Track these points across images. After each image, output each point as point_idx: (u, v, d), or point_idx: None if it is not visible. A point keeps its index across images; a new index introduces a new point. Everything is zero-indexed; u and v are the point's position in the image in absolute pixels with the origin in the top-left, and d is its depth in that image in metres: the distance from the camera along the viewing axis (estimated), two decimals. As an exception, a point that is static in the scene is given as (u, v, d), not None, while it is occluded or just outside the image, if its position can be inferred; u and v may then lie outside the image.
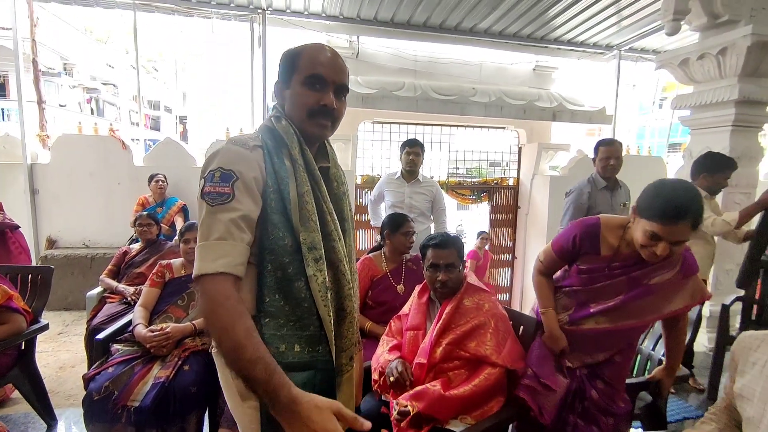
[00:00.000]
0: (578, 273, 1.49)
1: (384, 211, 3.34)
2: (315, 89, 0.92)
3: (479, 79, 5.08)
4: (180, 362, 1.83)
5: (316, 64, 0.92)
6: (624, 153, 5.49)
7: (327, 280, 0.91)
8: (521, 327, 1.69)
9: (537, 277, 1.62)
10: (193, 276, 0.80)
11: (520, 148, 5.44)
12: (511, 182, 5.51)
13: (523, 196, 5.41)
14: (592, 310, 1.45)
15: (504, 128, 5.42)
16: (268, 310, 0.87)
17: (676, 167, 5.60)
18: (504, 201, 5.48)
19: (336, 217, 0.99)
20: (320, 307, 0.90)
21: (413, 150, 3.12)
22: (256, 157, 0.88)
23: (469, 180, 5.52)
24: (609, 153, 2.74)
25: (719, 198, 3.11)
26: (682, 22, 3.12)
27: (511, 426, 1.59)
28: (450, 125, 5.24)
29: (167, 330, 1.88)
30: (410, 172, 3.17)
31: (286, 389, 0.72)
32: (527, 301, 5.23)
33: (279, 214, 0.88)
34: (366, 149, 5.08)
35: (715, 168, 2.59)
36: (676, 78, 3.53)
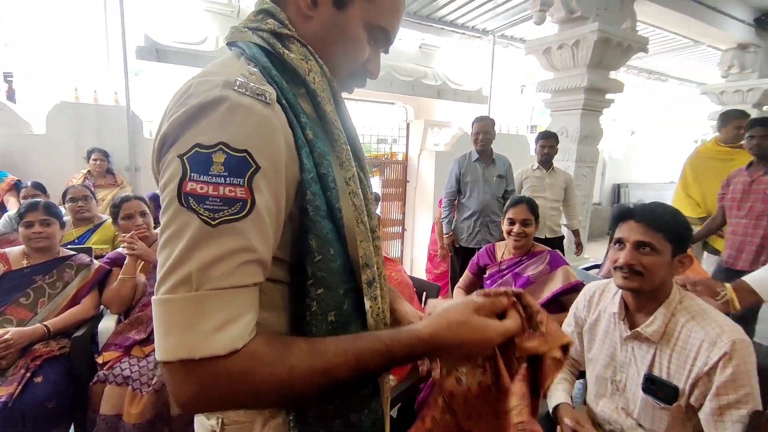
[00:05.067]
0: (485, 282, 2.03)
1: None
2: (374, 44, 0.63)
3: (369, 53, 5.06)
4: (29, 374, 1.49)
5: (393, 17, 0.62)
6: (497, 131, 6.14)
7: (382, 307, 0.63)
8: (424, 293, 1.77)
9: (456, 291, 2.16)
10: (160, 357, 0.44)
11: (408, 124, 5.62)
12: (400, 157, 5.69)
13: (411, 170, 5.65)
14: None
15: (393, 104, 5.53)
16: None
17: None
18: (394, 175, 5.65)
19: (372, 201, 0.68)
20: None
21: None
22: (280, 121, 0.51)
23: (360, 155, 5.54)
24: (478, 128, 3.07)
25: (571, 170, 3.67)
26: (546, 13, 3.50)
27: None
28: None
29: (6, 337, 1.51)
30: None
31: (411, 342, 0.52)
32: (417, 271, 5.56)
33: (327, 219, 0.54)
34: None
35: (536, 140, 3.20)
36: (541, 64, 3.98)
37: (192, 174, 0.45)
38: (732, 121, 3.04)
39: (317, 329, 0.54)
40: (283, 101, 0.52)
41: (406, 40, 5.37)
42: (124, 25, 3.64)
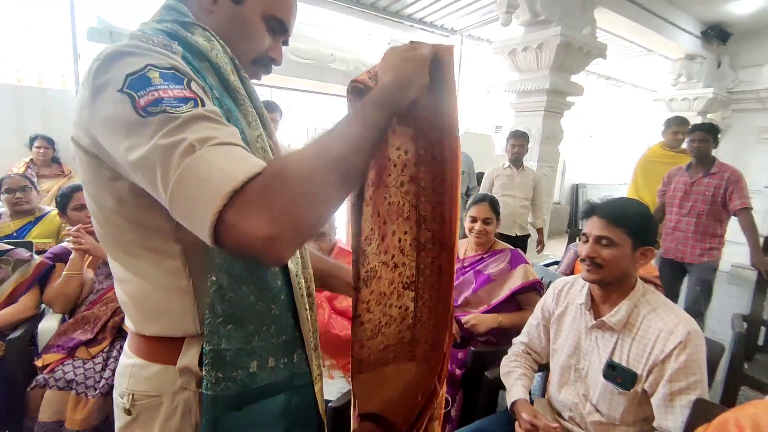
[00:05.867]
0: None
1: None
2: (272, 33, 0.70)
3: (337, 46, 4.98)
4: (-44, 379, 1.35)
5: (286, 8, 0.70)
6: (464, 131, 6.23)
7: (299, 259, 0.69)
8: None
9: None
10: (212, 215, 0.42)
11: (376, 120, 5.61)
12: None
13: (379, 167, 5.64)
14: (457, 302, 1.86)
15: (361, 99, 5.49)
16: (232, 312, 0.57)
17: (502, 143, 6.61)
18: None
19: None
20: (297, 297, 0.67)
21: (272, 116, 2.83)
22: (190, 70, 0.54)
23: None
24: None
25: (532, 165, 3.77)
26: (512, 15, 3.57)
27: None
28: (309, 92, 5.05)
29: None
30: None
31: (382, 89, 0.58)
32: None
33: None
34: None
35: (507, 139, 3.24)
36: (507, 65, 4.06)
37: (138, 93, 0.46)
38: (671, 126, 3.27)
39: (236, 266, 0.57)
40: (193, 68, 0.56)
41: (375, 35, 5.33)
42: (73, 3, 3.40)
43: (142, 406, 0.60)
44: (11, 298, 1.63)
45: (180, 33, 0.59)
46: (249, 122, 0.62)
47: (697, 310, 2.57)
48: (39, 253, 1.89)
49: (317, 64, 4.38)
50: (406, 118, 0.65)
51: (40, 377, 1.45)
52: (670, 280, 2.77)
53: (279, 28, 0.70)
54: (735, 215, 2.50)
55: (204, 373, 0.56)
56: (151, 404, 0.60)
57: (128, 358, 0.64)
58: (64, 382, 1.43)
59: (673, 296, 2.78)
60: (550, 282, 1.94)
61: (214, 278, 0.55)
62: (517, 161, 3.20)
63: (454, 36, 5.42)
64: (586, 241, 1.19)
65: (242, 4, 0.65)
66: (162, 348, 0.60)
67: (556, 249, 5.35)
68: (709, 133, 2.55)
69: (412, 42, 0.65)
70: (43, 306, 1.72)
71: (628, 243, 1.13)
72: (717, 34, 5.18)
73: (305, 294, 0.69)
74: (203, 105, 0.48)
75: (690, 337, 1.03)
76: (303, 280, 0.69)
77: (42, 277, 1.71)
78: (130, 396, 0.61)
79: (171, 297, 0.58)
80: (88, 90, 0.49)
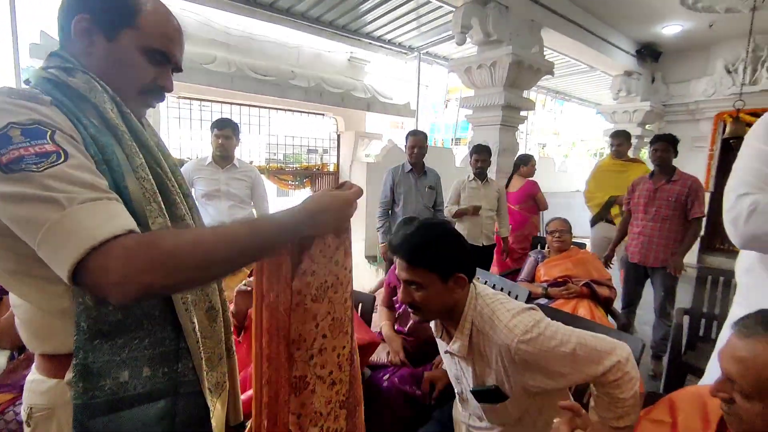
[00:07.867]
0: (395, 303, 1.94)
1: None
2: (155, 64, 0.73)
3: (297, 63, 5.01)
4: None
5: (165, 39, 0.72)
6: (424, 144, 6.38)
7: (196, 296, 0.73)
8: (360, 304, 1.78)
9: (379, 308, 1.96)
10: (70, 265, 0.50)
11: (339, 136, 5.65)
12: (331, 168, 5.68)
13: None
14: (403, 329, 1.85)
15: (323, 115, 5.52)
16: (98, 329, 0.61)
17: (461, 156, 6.83)
18: (325, 186, 5.63)
19: (181, 195, 0.78)
20: (181, 313, 0.69)
21: (223, 132, 2.73)
22: (61, 118, 0.59)
23: (290, 166, 5.43)
24: (414, 142, 3.13)
25: (493, 174, 3.93)
26: (466, 35, 3.75)
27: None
28: (268, 107, 5.02)
29: None
30: (223, 156, 2.80)
31: (291, 211, 0.70)
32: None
33: (114, 193, 0.63)
34: (171, 128, 4.41)
35: (470, 153, 3.41)
36: (462, 82, 4.24)
37: (0, 151, 0.51)
38: (610, 140, 3.70)
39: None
40: (64, 109, 0.61)
41: (336, 52, 5.41)
42: (15, 20, 3.23)
43: (38, 418, 0.67)
44: (-48, 336, 1.50)
45: (62, 78, 0.64)
46: (128, 154, 0.66)
47: (665, 311, 2.72)
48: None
49: (278, 80, 4.38)
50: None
51: (-13, 420, 1.34)
52: (633, 283, 2.91)
53: (162, 58, 0.73)
54: (689, 220, 2.67)
55: (72, 384, 0.61)
56: (45, 416, 0.67)
57: (31, 374, 0.70)
58: (17, 423, 1.33)
59: (634, 299, 2.96)
60: (510, 293, 1.98)
61: (80, 300, 0.60)
62: (481, 174, 3.32)
63: (412, 53, 5.60)
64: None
65: (115, 41, 0.69)
66: (53, 364, 0.67)
67: (517, 256, 5.55)
68: (670, 143, 2.77)
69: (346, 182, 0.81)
70: (-12, 342, 1.60)
71: (435, 279, 1.04)
72: (649, 53, 5.67)
73: (192, 309, 0.72)
74: (66, 158, 0.54)
75: (521, 347, 0.98)
76: (189, 296, 0.72)
77: (-13, 311, 1.59)
78: (29, 409, 0.67)
79: (56, 318, 0.65)
80: None
